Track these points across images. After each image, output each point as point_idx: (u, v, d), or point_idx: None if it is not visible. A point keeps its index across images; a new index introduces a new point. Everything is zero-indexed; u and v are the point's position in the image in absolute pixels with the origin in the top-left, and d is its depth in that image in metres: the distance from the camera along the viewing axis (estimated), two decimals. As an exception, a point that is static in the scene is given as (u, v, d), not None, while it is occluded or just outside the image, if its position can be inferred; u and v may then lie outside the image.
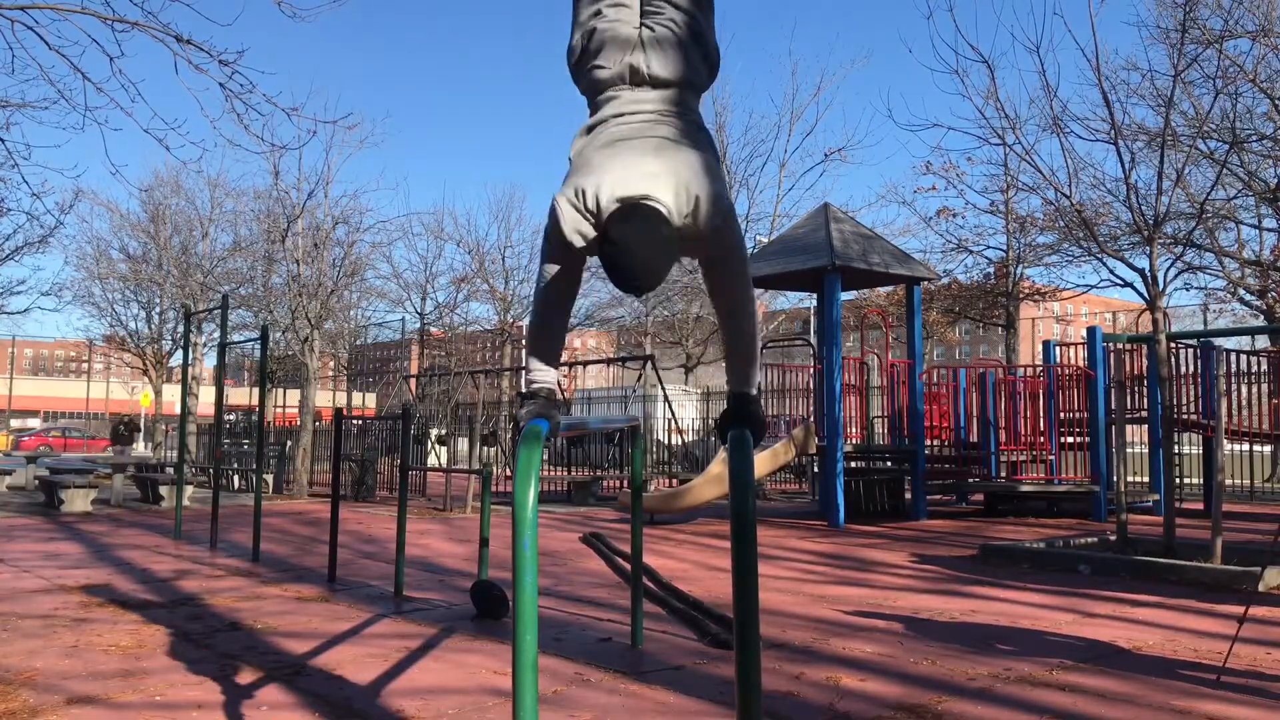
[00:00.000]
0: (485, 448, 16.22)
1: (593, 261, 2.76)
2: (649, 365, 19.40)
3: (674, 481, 14.20)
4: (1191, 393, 12.14)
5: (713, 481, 10.96)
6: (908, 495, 12.49)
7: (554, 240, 2.54)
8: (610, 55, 2.70)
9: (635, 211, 2.41)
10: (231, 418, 21.51)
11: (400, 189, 64.93)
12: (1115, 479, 7.94)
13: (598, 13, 2.76)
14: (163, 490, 13.44)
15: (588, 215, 2.48)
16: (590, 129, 2.69)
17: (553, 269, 2.64)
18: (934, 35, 35.79)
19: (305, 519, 11.65)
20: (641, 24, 2.73)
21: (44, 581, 6.63)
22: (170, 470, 16.09)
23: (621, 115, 2.64)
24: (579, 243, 2.53)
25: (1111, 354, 11.92)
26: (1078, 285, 23.03)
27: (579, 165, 2.58)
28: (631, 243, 2.37)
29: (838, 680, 4.00)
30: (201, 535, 9.29)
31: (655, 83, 2.68)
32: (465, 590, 5.97)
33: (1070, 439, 12.23)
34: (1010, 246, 22.85)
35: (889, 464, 13.39)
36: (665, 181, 2.47)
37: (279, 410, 24.07)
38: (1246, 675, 4.07)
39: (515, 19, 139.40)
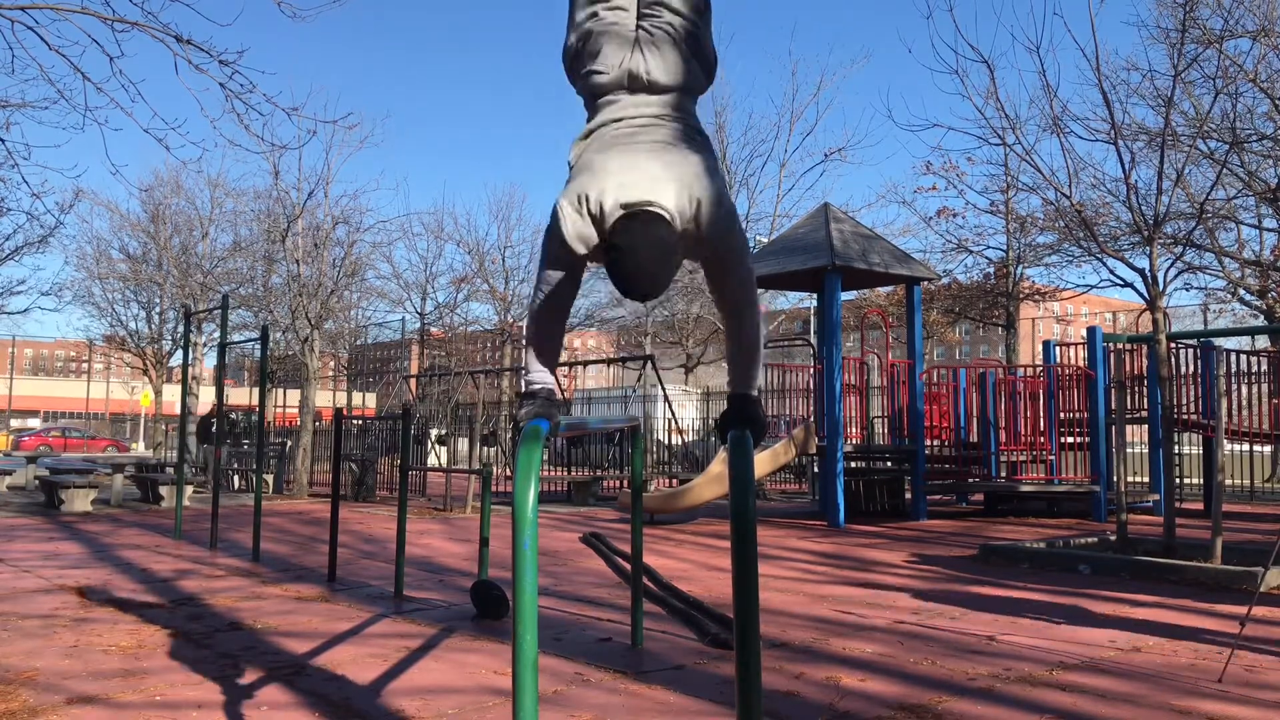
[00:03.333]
0: (485, 448, 16.23)
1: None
2: (649, 365, 19.39)
3: (674, 481, 14.19)
4: (1191, 393, 12.14)
5: (713, 481, 10.96)
6: (908, 495, 12.49)
7: (556, 245, 2.53)
8: (608, 59, 2.68)
9: (639, 217, 2.41)
10: (232, 417, 21.47)
11: (400, 189, 64.92)
12: (1115, 479, 7.94)
13: (594, 14, 2.73)
14: (163, 490, 13.44)
15: (590, 221, 2.47)
16: (590, 133, 2.68)
17: (554, 274, 2.62)
18: (934, 35, 35.76)
19: (305, 519, 11.65)
20: (639, 26, 2.71)
21: (44, 581, 6.63)
22: (170, 470, 16.09)
23: (621, 120, 2.63)
24: (581, 249, 2.51)
25: (1111, 354, 11.92)
26: (1078, 285, 23.07)
27: (580, 169, 2.56)
28: (637, 248, 2.37)
29: (838, 680, 4.00)
30: (201, 535, 9.29)
31: (654, 88, 2.67)
32: (465, 590, 5.98)
33: (1070, 439, 12.23)
34: (1010, 246, 22.87)
35: (889, 464, 13.38)
36: (667, 186, 2.46)
37: (279, 410, 24.06)
38: (1247, 675, 4.07)
39: (516, 17, 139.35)
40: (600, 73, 2.69)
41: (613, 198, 2.44)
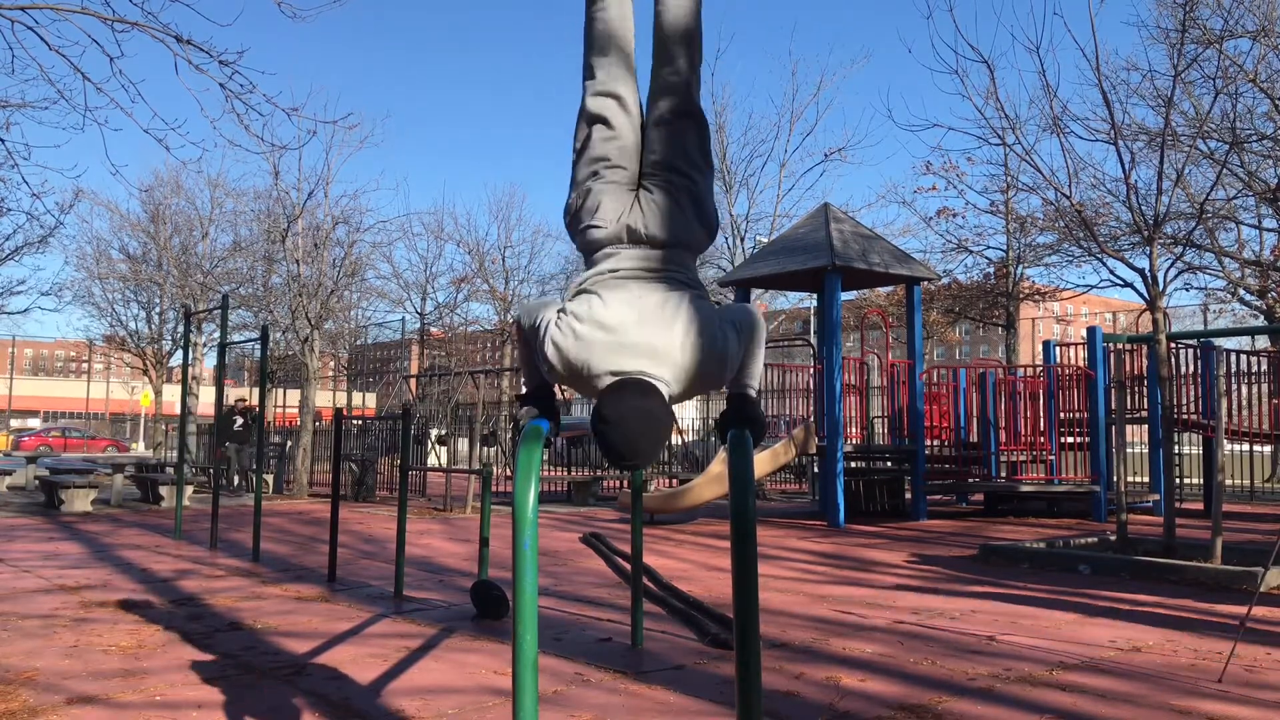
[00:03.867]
0: (485, 448, 16.22)
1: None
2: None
3: (674, 481, 14.20)
4: (1191, 393, 12.14)
5: (713, 481, 10.97)
6: (908, 495, 12.49)
7: (535, 355, 2.59)
8: (607, 215, 2.69)
9: (630, 387, 2.39)
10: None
11: (400, 189, 64.78)
12: (1115, 479, 7.94)
13: (595, 174, 2.74)
14: (163, 490, 13.44)
15: (570, 373, 2.50)
16: (584, 280, 2.68)
17: (527, 360, 2.73)
18: (934, 35, 35.82)
19: (305, 519, 11.65)
20: (640, 186, 2.73)
21: (44, 581, 6.63)
22: (170, 470, 16.08)
23: (618, 271, 2.64)
24: (552, 379, 2.60)
25: (1111, 354, 11.92)
26: (1078, 285, 23.07)
27: (574, 316, 2.54)
28: (626, 420, 2.34)
29: (838, 680, 4.00)
30: (201, 535, 9.29)
31: (653, 242, 2.68)
32: (465, 590, 5.98)
33: (1070, 439, 12.23)
34: (1010, 246, 22.88)
35: (889, 464, 13.38)
36: (661, 356, 2.45)
37: (279, 410, 24.06)
38: (1247, 675, 4.07)
39: (516, 17, 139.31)
40: (599, 227, 2.70)
41: (600, 364, 2.44)
